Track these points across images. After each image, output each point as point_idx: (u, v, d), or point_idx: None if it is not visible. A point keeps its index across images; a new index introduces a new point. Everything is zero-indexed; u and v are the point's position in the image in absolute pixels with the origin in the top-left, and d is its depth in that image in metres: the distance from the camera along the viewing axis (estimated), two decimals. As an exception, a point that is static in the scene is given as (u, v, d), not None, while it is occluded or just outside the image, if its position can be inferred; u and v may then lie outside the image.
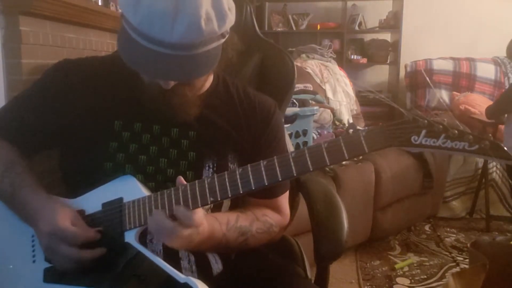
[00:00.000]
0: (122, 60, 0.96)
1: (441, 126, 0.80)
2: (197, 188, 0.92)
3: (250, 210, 1.10)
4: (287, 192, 1.18)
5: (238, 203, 1.13)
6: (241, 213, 1.08)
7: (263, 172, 0.89)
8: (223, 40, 0.97)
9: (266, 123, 1.14)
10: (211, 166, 1.06)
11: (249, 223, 1.07)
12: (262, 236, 1.09)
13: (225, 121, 1.10)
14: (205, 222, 0.95)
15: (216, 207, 1.08)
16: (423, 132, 0.81)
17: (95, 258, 0.96)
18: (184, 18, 0.88)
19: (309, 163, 0.86)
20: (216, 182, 0.91)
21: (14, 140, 1.09)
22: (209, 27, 0.90)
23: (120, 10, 0.97)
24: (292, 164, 0.87)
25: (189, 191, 0.92)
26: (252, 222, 1.07)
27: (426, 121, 0.81)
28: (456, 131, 0.80)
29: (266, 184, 0.89)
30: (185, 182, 0.94)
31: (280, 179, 0.88)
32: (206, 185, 0.92)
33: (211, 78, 1.12)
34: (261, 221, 1.09)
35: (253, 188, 0.90)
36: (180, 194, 0.93)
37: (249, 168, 0.90)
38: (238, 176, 0.90)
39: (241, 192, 0.90)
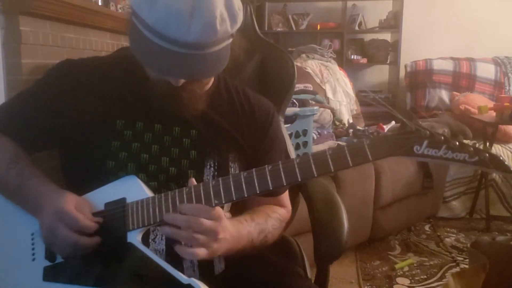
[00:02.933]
0: (125, 59, 0.97)
1: (442, 137, 0.83)
2: (201, 191, 0.93)
3: (259, 209, 1.12)
4: (287, 188, 1.19)
5: (238, 205, 1.13)
6: (253, 213, 1.09)
7: (268, 177, 0.91)
8: (231, 39, 0.99)
9: (267, 126, 1.15)
10: (212, 165, 1.07)
11: (264, 220, 1.09)
12: (276, 232, 1.11)
13: (226, 121, 1.11)
14: (226, 218, 0.96)
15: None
16: (425, 142, 0.84)
17: (92, 247, 0.96)
18: (201, 18, 0.90)
19: (313, 169, 0.89)
20: (221, 185, 0.92)
21: (15, 137, 1.09)
22: (223, 28, 0.93)
23: (128, 8, 0.98)
24: (297, 170, 0.89)
25: (193, 193, 0.93)
26: (266, 219, 1.09)
27: (428, 131, 0.83)
28: (457, 143, 0.83)
29: (271, 188, 0.91)
30: (195, 183, 0.94)
31: (284, 184, 0.91)
32: (211, 188, 0.93)
33: (213, 77, 1.13)
34: (273, 218, 1.11)
35: (258, 192, 0.91)
36: (185, 196, 0.93)
37: (254, 172, 0.92)
38: (243, 180, 0.92)
39: (246, 195, 0.92)
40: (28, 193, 1.02)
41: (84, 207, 0.98)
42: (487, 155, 0.81)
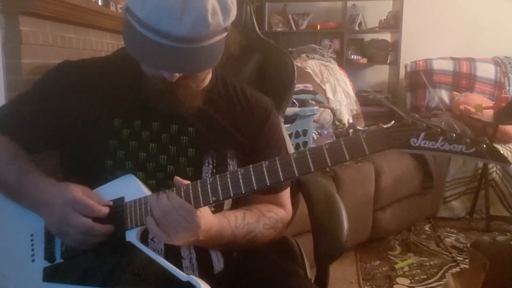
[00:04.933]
0: (122, 59, 0.96)
1: (439, 129, 0.82)
2: (199, 188, 0.93)
3: (255, 207, 1.11)
4: (288, 187, 1.19)
5: (240, 202, 1.13)
6: (247, 210, 1.09)
7: (265, 173, 0.90)
8: (225, 33, 0.99)
9: (264, 122, 1.15)
10: (210, 163, 1.07)
11: (256, 220, 1.08)
12: (268, 232, 1.10)
13: (224, 118, 1.11)
14: (211, 218, 0.96)
15: (218, 206, 1.09)
16: (422, 134, 0.83)
17: (105, 235, 0.97)
18: (192, 11, 0.90)
19: (310, 164, 0.88)
20: (218, 182, 0.92)
21: (15, 138, 1.09)
22: (215, 21, 0.93)
23: (122, 5, 0.98)
24: (294, 165, 0.89)
25: (191, 191, 0.93)
26: (259, 218, 1.09)
27: (424, 124, 0.83)
28: (454, 134, 0.82)
29: (268, 184, 0.90)
30: (184, 182, 0.94)
31: (282, 180, 0.90)
32: (208, 185, 0.93)
33: (210, 74, 1.13)
34: (267, 217, 1.11)
35: (255, 188, 0.91)
36: (182, 193, 0.93)
37: (251, 169, 0.91)
38: (240, 176, 0.91)
39: (243, 192, 0.91)
40: (28, 187, 1.02)
41: (91, 194, 0.99)
42: (485, 146, 0.81)
